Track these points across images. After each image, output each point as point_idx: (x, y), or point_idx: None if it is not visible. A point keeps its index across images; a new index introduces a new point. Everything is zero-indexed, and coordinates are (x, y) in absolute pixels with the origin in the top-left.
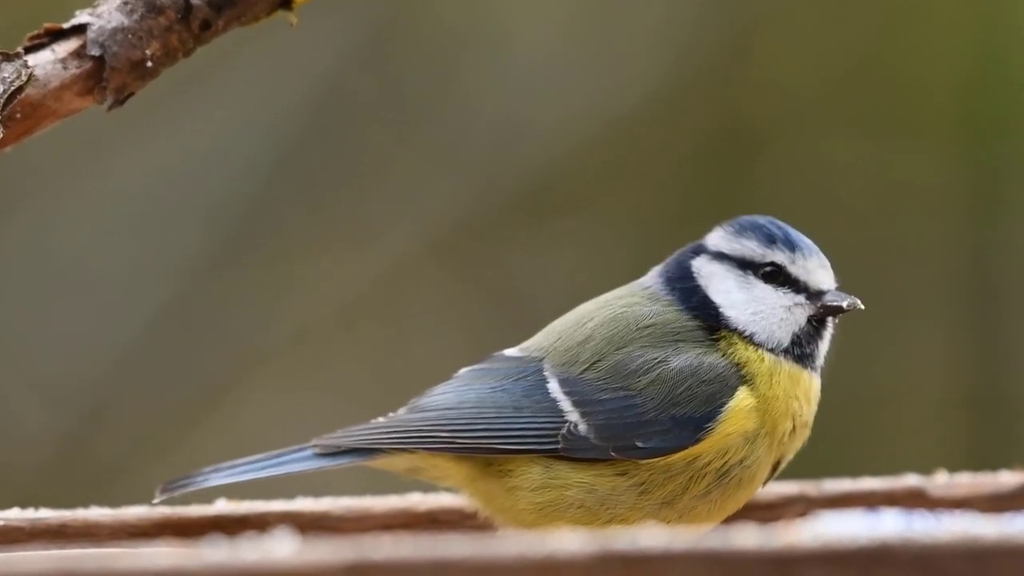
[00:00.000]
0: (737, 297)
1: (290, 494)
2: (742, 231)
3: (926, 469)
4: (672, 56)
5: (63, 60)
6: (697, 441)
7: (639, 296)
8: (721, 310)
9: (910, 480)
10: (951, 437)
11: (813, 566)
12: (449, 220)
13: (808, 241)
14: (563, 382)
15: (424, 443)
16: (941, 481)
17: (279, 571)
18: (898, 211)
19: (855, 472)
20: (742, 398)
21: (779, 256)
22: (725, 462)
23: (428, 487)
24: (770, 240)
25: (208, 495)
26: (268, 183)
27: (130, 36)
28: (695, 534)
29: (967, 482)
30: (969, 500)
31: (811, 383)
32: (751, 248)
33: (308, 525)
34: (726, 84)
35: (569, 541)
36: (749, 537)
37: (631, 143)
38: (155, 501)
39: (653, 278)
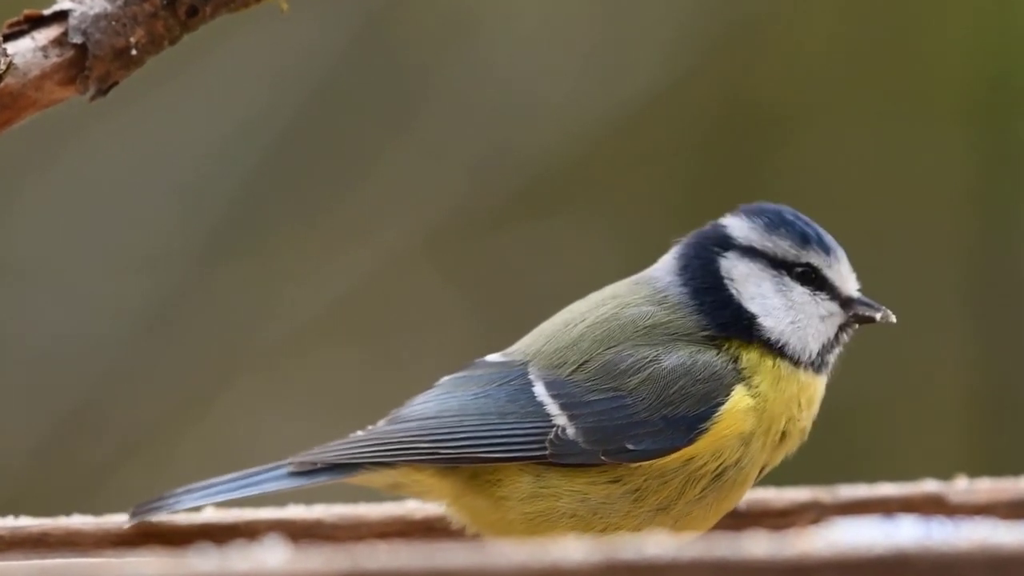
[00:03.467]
0: (774, 303)
1: (281, 501)
2: (773, 226)
3: (945, 474)
4: (677, 42)
5: (44, 48)
6: (690, 442)
7: (641, 296)
8: (758, 320)
9: (928, 486)
10: (971, 441)
11: (827, 575)
12: (443, 215)
13: (836, 242)
14: (549, 385)
15: (405, 455)
16: (961, 487)
17: None
18: (918, 204)
19: (871, 478)
20: (738, 398)
21: (815, 258)
22: (720, 464)
23: None
24: (804, 239)
25: None
26: (255, 176)
27: (114, 23)
28: (702, 541)
29: (988, 488)
30: (990, 507)
31: (817, 388)
32: (784, 247)
33: (300, 533)
34: (732, 71)
35: (573, 550)
36: (761, 545)
37: (633, 132)
38: (127, 525)
39: (666, 278)
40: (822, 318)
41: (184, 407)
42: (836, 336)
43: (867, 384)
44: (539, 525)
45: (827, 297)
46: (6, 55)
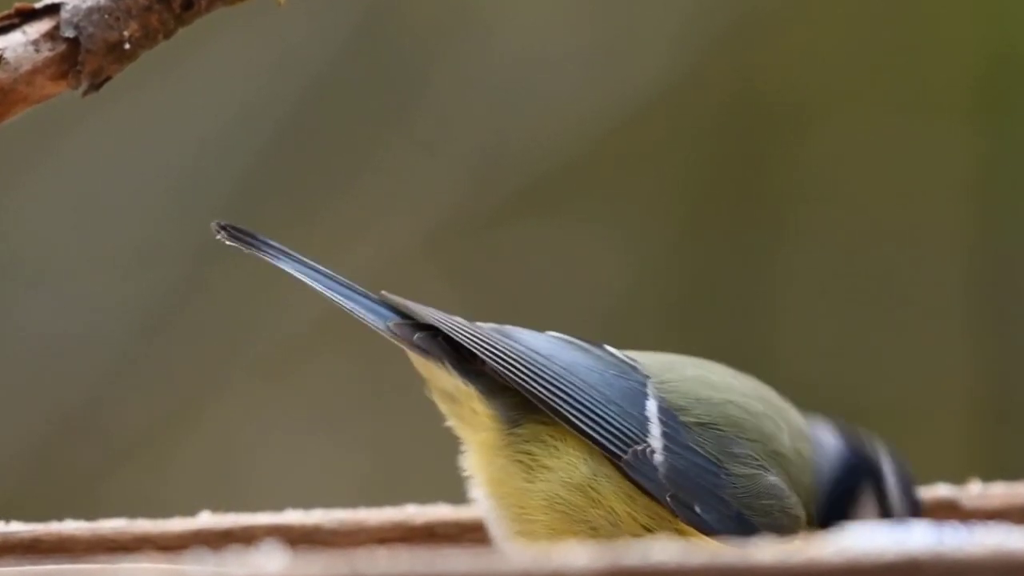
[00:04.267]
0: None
1: (278, 506)
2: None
3: (958, 479)
4: (681, 37)
5: (35, 42)
6: None
7: (792, 430)
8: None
9: (941, 490)
10: (985, 444)
11: None
12: (443, 213)
13: None
14: (663, 411)
15: (502, 364)
16: (974, 491)
17: None
18: (924, 203)
19: None
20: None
21: None
22: None
23: (425, 498)
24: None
25: (191, 507)
26: (252, 174)
27: (107, 16)
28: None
29: (1001, 492)
30: (1003, 511)
31: None
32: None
33: (298, 539)
34: (737, 68)
35: (576, 556)
36: (768, 552)
37: (637, 129)
38: (217, 236)
39: (822, 447)
40: None
41: (181, 410)
42: None
43: (873, 387)
44: (558, 512)
45: None
46: None
